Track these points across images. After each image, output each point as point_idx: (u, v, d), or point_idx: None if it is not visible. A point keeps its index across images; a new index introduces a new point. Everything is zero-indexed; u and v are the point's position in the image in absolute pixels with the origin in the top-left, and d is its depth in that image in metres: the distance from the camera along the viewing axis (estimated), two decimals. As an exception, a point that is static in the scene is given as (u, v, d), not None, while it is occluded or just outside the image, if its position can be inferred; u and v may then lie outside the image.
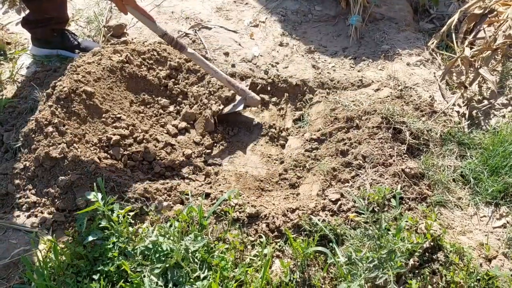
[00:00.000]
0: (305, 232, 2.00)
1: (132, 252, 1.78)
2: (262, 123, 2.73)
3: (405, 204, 2.11)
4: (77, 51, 2.88)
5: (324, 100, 2.75)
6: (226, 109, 2.69)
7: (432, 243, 1.91)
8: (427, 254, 1.90)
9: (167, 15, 3.33)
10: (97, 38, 3.07)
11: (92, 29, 3.15)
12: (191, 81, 2.82)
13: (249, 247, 1.98)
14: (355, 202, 2.04)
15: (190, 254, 1.77)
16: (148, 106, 2.65)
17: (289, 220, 2.04)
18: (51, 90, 2.26)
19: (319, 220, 1.99)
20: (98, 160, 2.16)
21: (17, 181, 2.14)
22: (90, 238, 1.80)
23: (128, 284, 1.70)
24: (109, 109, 2.41)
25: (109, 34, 3.07)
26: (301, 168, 2.44)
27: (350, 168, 2.26)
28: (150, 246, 1.77)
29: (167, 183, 2.22)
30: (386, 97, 2.64)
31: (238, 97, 2.71)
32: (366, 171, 2.22)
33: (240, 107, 2.66)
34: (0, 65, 2.80)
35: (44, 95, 2.27)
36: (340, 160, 2.31)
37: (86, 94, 2.32)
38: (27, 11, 2.79)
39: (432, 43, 3.19)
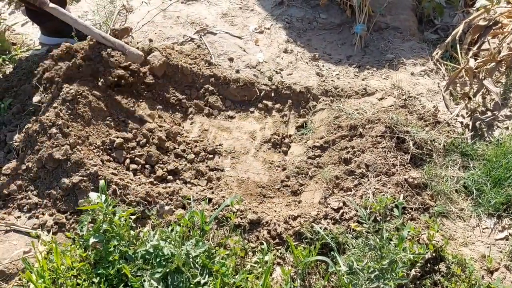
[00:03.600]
0: (307, 240, 1.99)
1: (133, 255, 1.78)
2: None
3: (408, 214, 2.10)
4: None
5: (327, 108, 2.75)
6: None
7: (434, 254, 1.90)
8: (428, 265, 1.89)
9: (172, 20, 3.35)
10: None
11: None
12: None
13: (250, 253, 1.97)
14: (357, 210, 2.04)
15: (191, 259, 1.76)
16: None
17: (290, 228, 2.03)
18: (57, 92, 2.26)
19: (321, 228, 1.99)
20: (101, 163, 2.16)
21: (19, 182, 2.13)
22: (91, 241, 1.79)
23: (128, 288, 1.70)
24: (114, 112, 2.41)
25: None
26: (303, 175, 2.43)
27: (353, 176, 2.26)
28: (151, 250, 1.76)
29: (169, 187, 2.22)
30: (390, 106, 2.64)
31: None
32: (369, 180, 2.22)
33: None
34: (5, 65, 2.81)
35: (50, 95, 2.27)
36: (343, 168, 2.31)
37: (92, 96, 2.32)
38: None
39: (437, 53, 3.20)
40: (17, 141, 2.24)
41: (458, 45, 3.12)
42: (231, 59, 3.09)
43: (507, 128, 2.56)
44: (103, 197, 1.82)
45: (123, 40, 2.83)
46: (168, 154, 2.44)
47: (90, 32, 2.52)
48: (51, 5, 2.45)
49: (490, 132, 2.60)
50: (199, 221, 1.93)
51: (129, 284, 1.70)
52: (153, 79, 2.71)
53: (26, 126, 2.25)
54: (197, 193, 2.24)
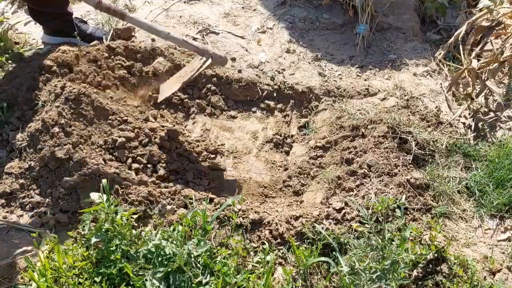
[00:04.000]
0: (308, 240, 1.99)
1: (135, 255, 1.78)
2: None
3: (410, 215, 2.10)
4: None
5: (330, 108, 2.75)
6: (192, 74, 2.44)
7: (436, 255, 1.90)
8: (430, 265, 1.88)
9: (175, 19, 3.35)
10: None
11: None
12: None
13: (251, 253, 1.97)
14: (359, 211, 2.03)
15: (192, 259, 1.76)
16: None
17: (292, 228, 2.03)
18: (60, 91, 2.27)
19: (322, 228, 1.98)
20: (103, 162, 2.16)
21: (21, 181, 2.14)
22: (93, 240, 1.79)
23: (130, 287, 1.69)
24: (116, 112, 2.41)
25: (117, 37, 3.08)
26: (305, 175, 2.43)
27: (355, 177, 2.25)
28: (153, 249, 1.76)
29: (171, 186, 2.22)
30: (392, 106, 2.64)
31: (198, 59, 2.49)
32: (371, 180, 2.21)
33: (206, 64, 2.40)
34: (7, 65, 2.81)
35: (53, 95, 2.27)
36: (345, 168, 2.31)
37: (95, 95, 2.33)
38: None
39: (439, 54, 3.19)
40: (20, 140, 2.24)
41: (460, 46, 3.12)
42: (233, 59, 3.09)
43: (509, 129, 2.56)
44: (105, 196, 1.82)
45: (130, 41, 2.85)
46: (170, 153, 2.44)
47: (171, 39, 2.41)
48: (131, 15, 2.40)
49: (492, 133, 2.59)
50: (201, 220, 1.93)
51: (131, 283, 1.70)
52: (158, 85, 2.73)
53: (28, 125, 2.26)
54: (199, 192, 2.24)
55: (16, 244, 1.93)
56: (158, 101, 2.40)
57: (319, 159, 2.50)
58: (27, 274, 1.69)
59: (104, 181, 1.95)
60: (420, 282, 1.83)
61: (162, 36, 2.42)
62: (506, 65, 2.82)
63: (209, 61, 2.38)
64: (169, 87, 2.51)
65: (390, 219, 2.02)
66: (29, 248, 1.91)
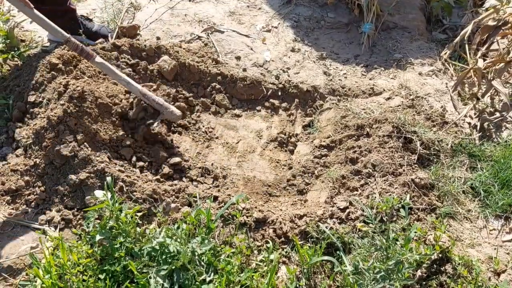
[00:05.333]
0: (312, 239, 1.99)
1: (139, 252, 1.78)
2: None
3: (414, 215, 2.09)
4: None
5: (334, 107, 2.75)
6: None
7: (440, 255, 1.89)
8: (435, 266, 1.88)
9: (180, 18, 3.35)
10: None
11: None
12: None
13: (255, 252, 1.97)
14: (363, 210, 2.03)
15: (196, 257, 1.76)
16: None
17: (296, 227, 2.03)
18: (64, 89, 2.27)
19: (326, 227, 1.98)
20: (107, 160, 2.16)
21: (26, 178, 2.15)
22: (98, 237, 1.80)
23: (134, 284, 1.70)
24: (121, 109, 2.42)
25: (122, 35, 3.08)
26: (309, 174, 2.43)
27: (359, 176, 2.25)
28: (157, 247, 1.76)
29: (176, 184, 2.22)
30: (398, 106, 2.63)
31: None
32: (375, 179, 2.21)
33: (156, 122, 2.42)
34: (14, 62, 2.82)
35: (57, 92, 2.28)
36: (349, 167, 2.30)
37: (99, 93, 2.33)
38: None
39: (445, 53, 3.18)
40: (25, 137, 2.25)
41: (466, 45, 3.11)
42: (238, 58, 3.09)
43: (515, 129, 2.55)
44: (109, 194, 1.83)
45: (135, 38, 2.83)
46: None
47: (130, 88, 2.41)
48: (98, 59, 2.35)
49: (498, 133, 2.58)
50: (205, 219, 1.94)
51: (135, 281, 1.70)
52: (162, 83, 2.73)
53: (34, 123, 2.26)
54: (203, 191, 2.24)
55: (21, 241, 1.94)
56: None
57: (323, 158, 2.50)
58: (32, 271, 1.70)
59: (108, 178, 1.96)
60: (424, 282, 1.83)
61: (122, 83, 2.40)
62: (512, 65, 2.81)
63: (160, 116, 2.44)
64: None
65: (394, 219, 2.02)
66: (34, 245, 1.92)
